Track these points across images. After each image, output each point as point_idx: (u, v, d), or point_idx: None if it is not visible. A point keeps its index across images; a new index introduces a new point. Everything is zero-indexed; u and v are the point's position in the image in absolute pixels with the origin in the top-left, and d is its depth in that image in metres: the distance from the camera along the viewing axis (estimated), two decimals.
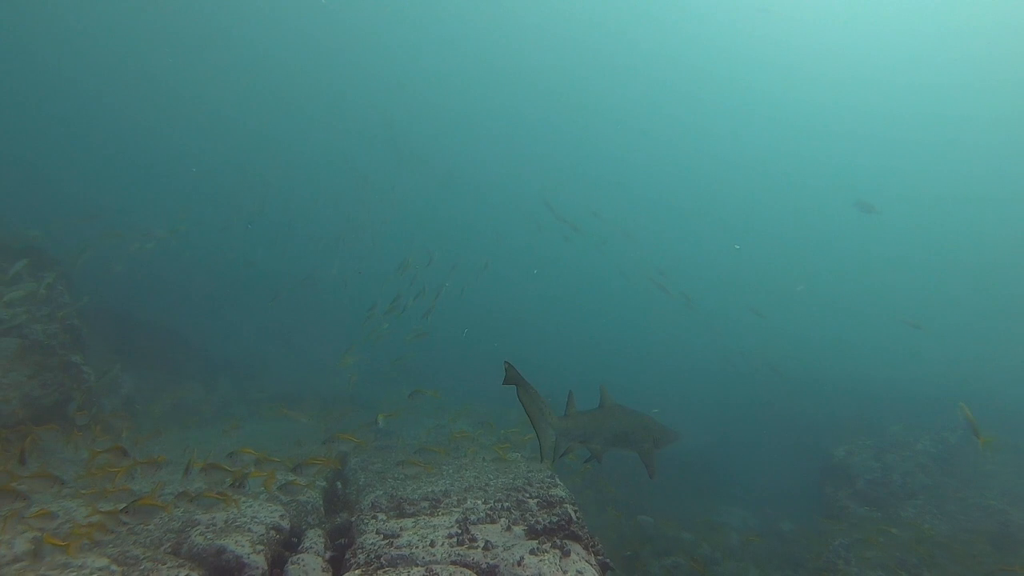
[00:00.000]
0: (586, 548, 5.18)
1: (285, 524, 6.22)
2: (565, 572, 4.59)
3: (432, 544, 5.19)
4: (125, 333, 14.32)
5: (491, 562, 4.82)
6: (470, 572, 4.68)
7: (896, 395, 17.28)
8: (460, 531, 5.41)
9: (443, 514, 6.11)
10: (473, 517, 5.93)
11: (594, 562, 5.02)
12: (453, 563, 4.86)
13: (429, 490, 7.06)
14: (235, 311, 23.30)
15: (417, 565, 4.84)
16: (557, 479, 7.54)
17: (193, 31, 28.83)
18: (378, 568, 4.87)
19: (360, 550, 5.29)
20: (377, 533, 5.58)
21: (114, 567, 4.92)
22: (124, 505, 5.38)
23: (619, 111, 40.99)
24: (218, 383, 15.91)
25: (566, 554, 4.85)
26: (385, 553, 5.13)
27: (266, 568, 5.33)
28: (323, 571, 5.23)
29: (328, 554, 5.79)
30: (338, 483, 8.47)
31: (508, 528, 5.56)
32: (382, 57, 33.96)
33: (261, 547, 5.50)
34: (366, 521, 6.06)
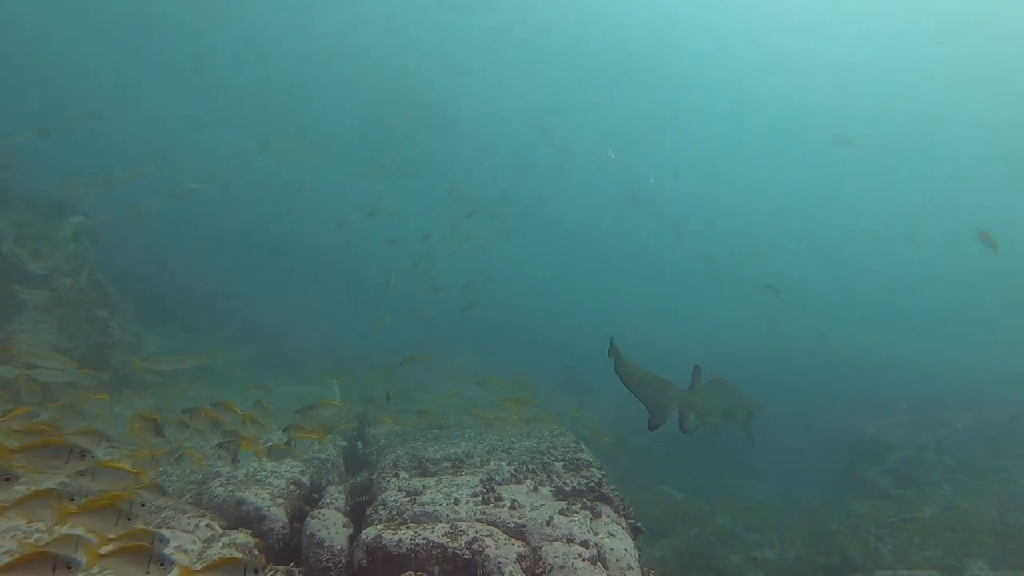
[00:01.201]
0: (616, 511, 4.95)
1: (305, 480, 6.12)
2: (596, 533, 4.36)
3: (456, 502, 5.01)
4: (151, 292, 14.42)
5: (518, 521, 4.61)
6: (497, 530, 4.48)
7: (937, 378, 16.61)
8: (485, 490, 5.21)
9: (466, 474, 5.93)
10: (498, 477, 5.74)
11: (625, 525, 4.79)
12: (479, 521, 4.67)
13: (451, 451, 6.89)
14: (267, 273, 23.34)
15: (441, 522, 4.67)
16: (583, 444, 7.31)
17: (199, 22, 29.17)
18: (401, 523, 4.72)
19: (382, 506, 5.14)
20: (399, 490, 5.43)
21: None
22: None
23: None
24: (246, 345, 15.98)
25: (596, 515, 4.62)
26: (408, 510, 4.97)
27: (286, 521, 5.23)
28: (344, 526, 5.11)
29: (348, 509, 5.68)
30: (358, 443, 8.38)
31: (535, 489, 5.35)
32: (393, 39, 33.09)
33: (281, 500, 5.40)
34: (387, 479, 5.92)
